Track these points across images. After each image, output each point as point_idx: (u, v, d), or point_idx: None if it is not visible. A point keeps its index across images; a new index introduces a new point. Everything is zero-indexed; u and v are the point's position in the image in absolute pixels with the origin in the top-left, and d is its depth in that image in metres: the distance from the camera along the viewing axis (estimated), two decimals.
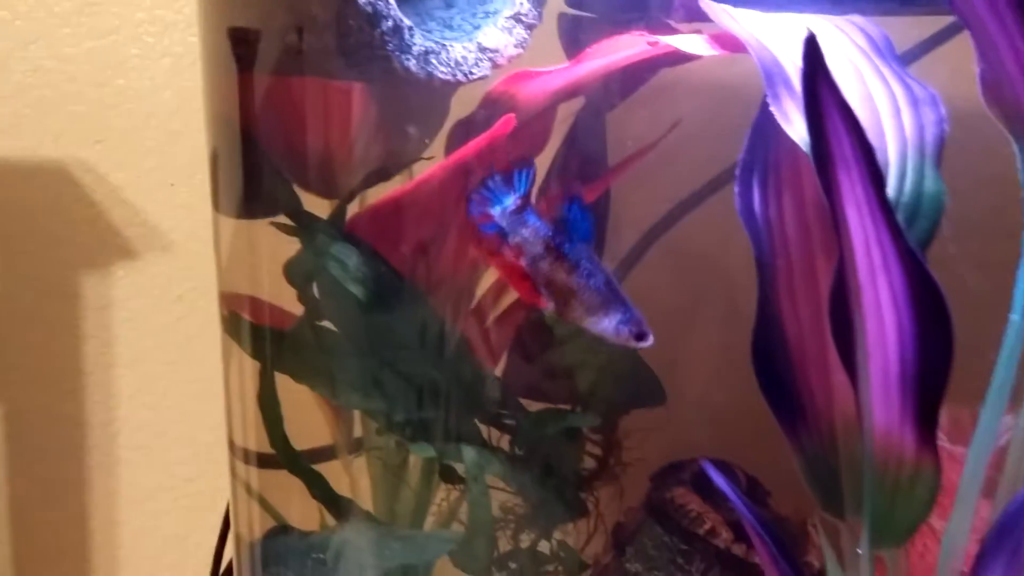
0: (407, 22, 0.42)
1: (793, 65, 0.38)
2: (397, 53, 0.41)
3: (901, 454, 0.33)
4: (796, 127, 0.36)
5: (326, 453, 0.52)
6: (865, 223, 0.31)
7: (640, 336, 0.38)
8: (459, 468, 0.49)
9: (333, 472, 0.51)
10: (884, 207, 0.31)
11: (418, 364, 0.45)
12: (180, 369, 0.83)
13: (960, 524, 0.34)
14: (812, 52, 0.30)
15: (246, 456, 0.49)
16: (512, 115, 0.46)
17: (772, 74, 0.38)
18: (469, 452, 0.45)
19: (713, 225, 0.52)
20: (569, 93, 0.50)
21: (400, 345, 0.45)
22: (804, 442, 0.37)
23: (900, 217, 0.37)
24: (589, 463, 0.57)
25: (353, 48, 0.40)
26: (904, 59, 0.42)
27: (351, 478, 0.52)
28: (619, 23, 0.51)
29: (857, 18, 0.43)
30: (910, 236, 0.36)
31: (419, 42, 0.43)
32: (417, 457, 0.50)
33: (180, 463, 0.85)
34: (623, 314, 0.38)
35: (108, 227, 0.81)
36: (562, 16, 0.54)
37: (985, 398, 0.34)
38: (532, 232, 0.39)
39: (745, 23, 0.42)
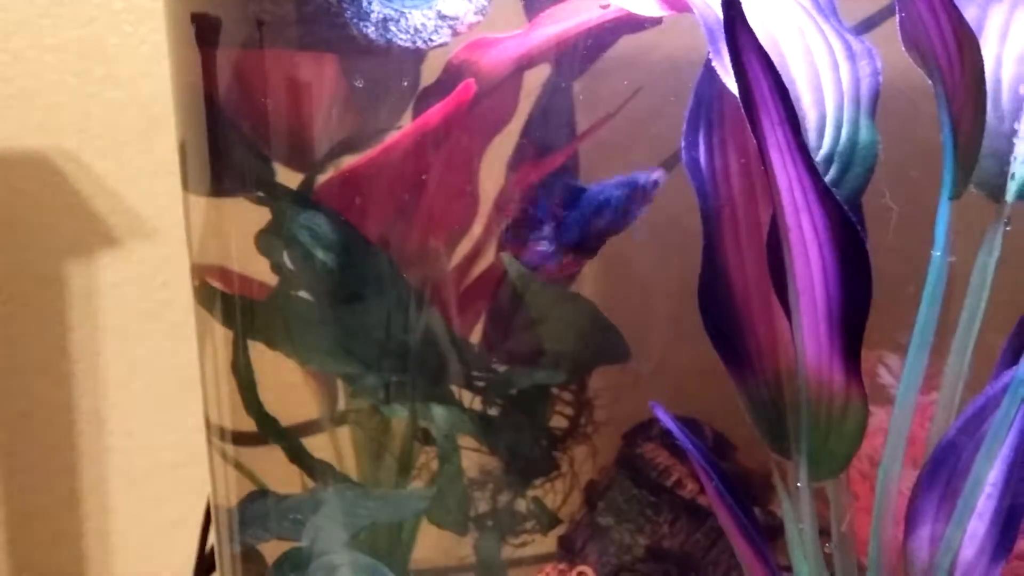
0: None
1: None
2: (355, 20, 0.43)
3: (831, 389, 0.36)
4: (733, 82, 0.38)
5: (312, 427, 0.54)
6: (787, 165, 0.34)
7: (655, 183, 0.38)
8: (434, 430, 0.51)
9: (319, 444, 0.53)
10: (801, 150, 0.33)
11: (388, 328, 0.47)
12: (167, 355, 0.85)
13: (893, 460, 0.37)
14: (730, 4, 0.33)
15: (222, 433, 0.51)
16: (472, 80, 0.48)
17: (714, 32, 0.40)
18: (439, 411, 0.47)
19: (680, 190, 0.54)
20: (529, 60, 0.52)
21: (371, 310, 0.47)
22: (751, 385, 0.39)
23: (836, 165, 0.39)
24: (562, 423, 0.59)
25: (311, 16, 0.42)
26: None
27: (336, 449, 0.54)
28: None
29: None
30: (847, 182, 0.38)
31: (377, 9, 0.45)
32: (399, 421, 0.52)
33: (169, 449, 0.87)
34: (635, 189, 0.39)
35: (92, 215, 0.82)
36: None
37: (911, 336, 0.36)
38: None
39: None
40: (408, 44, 0.47)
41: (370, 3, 0.45)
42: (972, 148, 0.36)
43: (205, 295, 0.51)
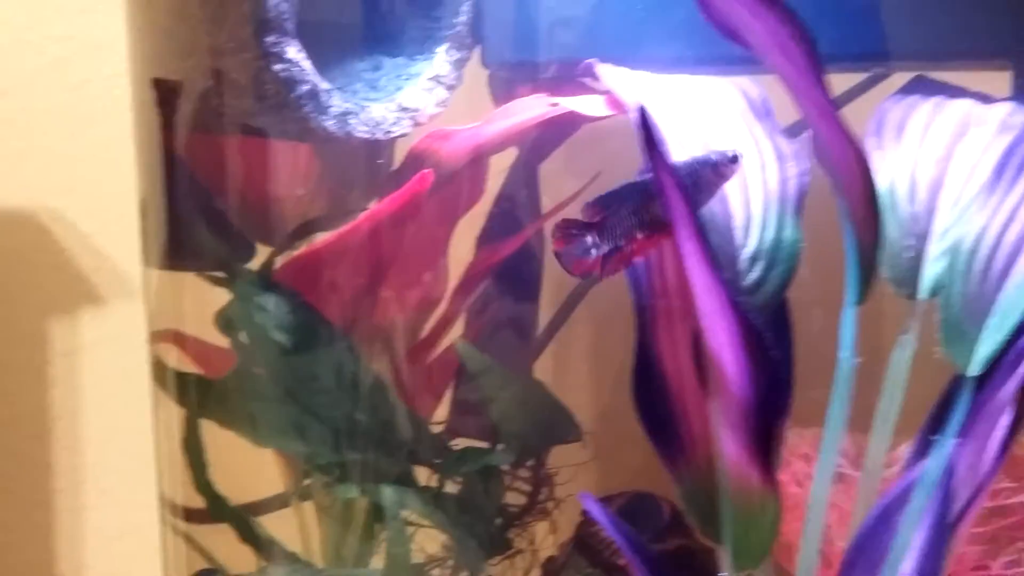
0: (325, 86, 0.47)
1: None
2: (314, 115, 0.46)
3: (749, 484, 0.38)
4: None
5: (275, 503, 0.56)
6: (699, 274, 0.36)
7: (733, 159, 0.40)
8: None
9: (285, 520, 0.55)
10: (710, 261, 0.35)
11: (343, 408, 0.50)
12: (146, 414, 0.87)
13: (810, 546, 0.39)
14: (643, 122, 0.35)
15: (174, 508, 0.53)
16: (430, 171, 0.51)
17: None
18: (387, 491, 0.49)
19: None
20: (488, 149, 0.55)
21: (325, 390, 0.49)
22: (683, 473, 0.42)
23: (762, 263, 0.41)
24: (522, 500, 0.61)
25: (271, 110, 0.45)
26: None
27: (303, 525, 0.56)
28: (541, 83, 0.56)
29: (742, 79, 0.48)
30: (772, 279, 0.40)
31: (337, 104, 0.48)
32: (364, 500, 0.54)
33: (145, 508, 0.88)
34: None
35: (76, 274, 0.84)
36: (492, 77, 0.60)
37: (823, 433, 0.39)
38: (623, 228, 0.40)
39: (636, 85, 0.47)
40: (368, 136, 0.50)
41: (330, 97, 0.48)
42: (871, 258, 0.38)
43: (159, 371, 0.53)
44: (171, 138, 0.50)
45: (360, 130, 0.50)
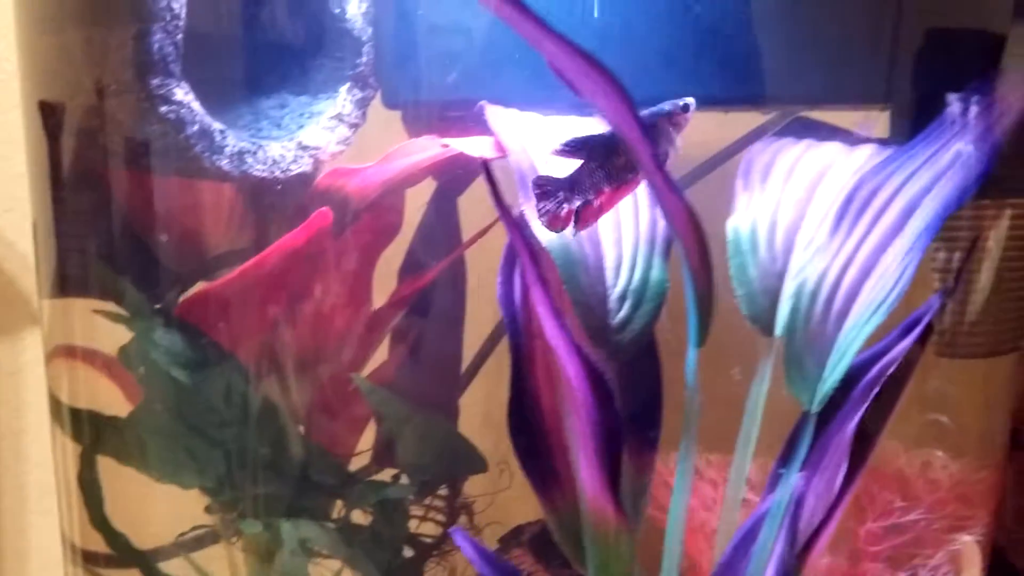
0: (217, 125, 0.49)
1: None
2: (207, 154, 0.48)
3: (604, 516, 0.40)
4: (541, 228, 0.43)
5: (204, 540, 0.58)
6: (548, 319, 0.38)
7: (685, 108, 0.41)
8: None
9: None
10: (553, 311, 0.38)
11: (245, 442, 0.51)
12: None
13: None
14: (488, 176, 0.38)
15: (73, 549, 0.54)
16: (327, 209, 0.53)
17: (525, 178, 0.45)
18: (285, 525, 0.51)
19: None
20: (394, 186, 0.57)
21: (226, 424, 0.51)
22: (556, 505, 0.44)
23: (629, 302, 0.44)
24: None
25: (161, 150, 0.47)
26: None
27: (232, 561, 0.58)
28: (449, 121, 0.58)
29: None
30: (638, 318, 0.43)
31: (232, 143, 0.50)
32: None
33: None
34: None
35: (18, 294, 0.86)
36: (404, 114, 0.61)
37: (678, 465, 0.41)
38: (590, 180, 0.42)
39: (520, 127, 0.49)
40: (266, 175, 0.52)
41: (224, 137, 0.49)
42: (707, 302, 0.41)
43: (54, 406, 0.54)
44: (58, 164, 0.51)
45: (256, 169, 0.52)
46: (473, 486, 0.62)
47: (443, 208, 0.64)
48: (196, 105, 0.47)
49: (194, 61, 0.53)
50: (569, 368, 0.38)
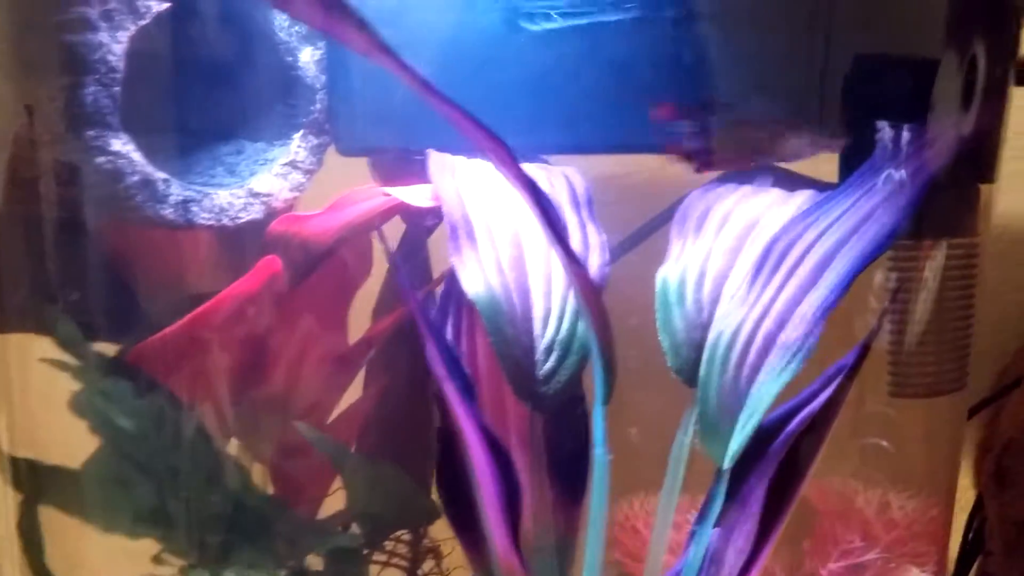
0: (160, 175, 0.50)
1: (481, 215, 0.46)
2: (149, 204, 0.50)
3: (511, 570, 0.40)
4: (467, 279, 0.44)
5: None
6: (445, 383, 0.39)
7: None
8: None
9: None
10: (447, 371, 0.38)
11: (198, 492, 0.52)
12: None
13: None
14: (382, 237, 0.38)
15: None
16: (274, 257, 0.54)
17: (456, 228, 0.46)
18: (228, 574, 0.51)
19: None
20: (350, 232, 0.59)
21: (178, 472, 0.52)
22: (478, 558, 0.44)
23: (556, 354, 0.44)
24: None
25: (102, 200, 0.49)
26: None
27: None
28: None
29: (568, 168, 0.51)
30: (564, 370, 0.43)
31: (176, 192, 0.51)
32: None
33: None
34: None
35: None
36: (371, 161, 0.63)
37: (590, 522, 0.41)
38: None
39: (459, 173, 0.50)
40: (213, 223, 0.54)
41: (167, 186, 0.51)
42: (610, 360, 0.41)
43: None
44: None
45: (203, 217, 0.53)
46: (440, 530, 0.62)
47: (413, 250, 0.65)
48: (136, 155, 0.48)
49: (150, 107, 0.55)
50: (466, 430, 0.39)
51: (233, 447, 0.62)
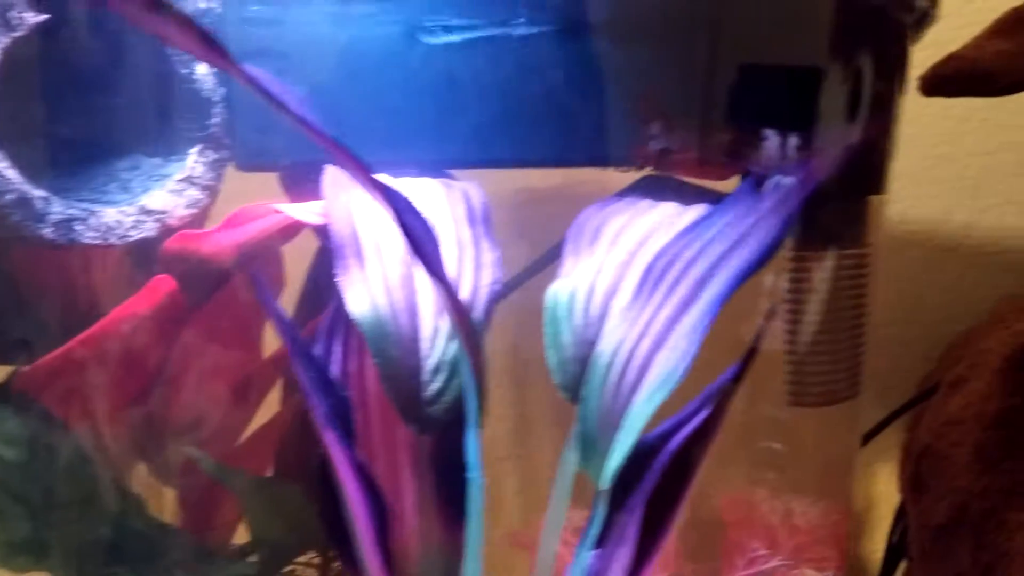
0: (39, 193, 0.49)
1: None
2: (27, 223, 0.48)
3: None
4: (353, 299, 0.43)
5: None
6: (316, 410, 0.39)
7: None
8: None
9: None
10: (320, 398, 0.38)
11: (91, 522, 0.51)
12: None
13: None
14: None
15: None
16: (166, 276, 0.53)
17: (344, 247, 0.45)
18: None
19: None
20: (251, 248, 0.58)
21: (66, 504, 0.51)
22: None
23: (443, 375, 0.44)
24: None
25: None
26: None
27: None
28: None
29: (468, 184, 0.50)
30: (451, 390, 0.43)
31: (58, 210, 0.50)
32: None
33: None
34: None
35: None
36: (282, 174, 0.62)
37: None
38: None
39: (350, 190, 0.49)
40: (100, 241, 0.52)
41: (47, 204, 0.50)
42: (482, 384, 0.41)
43: None
44: None
45: (88, 236, 0.52)
46: None
47: (326, 267, 0.64)
48: (10, 172, 0.47)
49: (36, 123, 0.53)
50: (335, 458, 0.38)
51: (142, 473, 0.60)
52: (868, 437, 0.85)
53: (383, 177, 0.51)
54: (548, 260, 0.51)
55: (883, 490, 0.95)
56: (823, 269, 0.50)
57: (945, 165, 1.04)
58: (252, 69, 0.35)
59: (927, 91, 0.63)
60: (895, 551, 0.83)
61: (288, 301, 0.62)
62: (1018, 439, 0.63)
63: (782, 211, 0.41)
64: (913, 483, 0.72)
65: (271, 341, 0.62)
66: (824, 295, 0.50)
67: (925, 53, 0.64)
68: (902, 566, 0.84)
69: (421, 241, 0.38)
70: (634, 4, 0.44)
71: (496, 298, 0.45)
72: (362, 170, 0.36)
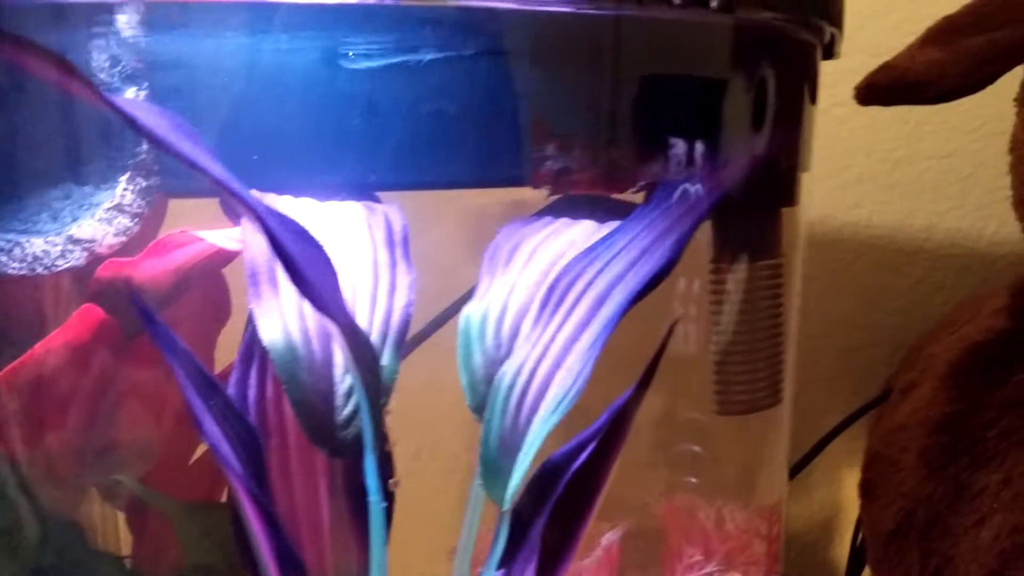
0: None
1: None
2: None
3: None
4: (264, 324, 0.43)
5: None
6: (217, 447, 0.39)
7: None
8: None
9: None
10: (213, 425, 0.38)
11: (12, 553, 0.51)
12: None
13: None
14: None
15: None
16: (92, 305, 0.53)
17: (257, 273, 0.45)
18: None
19: None
20: (185, 275, 0.58)
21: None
22: None
23: (355, 398, 0.44)
24: None
25: None
26: None
27: None
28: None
29: (390, 207, 0.51)
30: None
31: None
32: None
33: None
34: None
35: None
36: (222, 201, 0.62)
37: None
38: None
39: (271, 213, 0.49)
40: (27, 272, 0.53)
41: None
42: (376, 406, 0.41)
43: None
44: None
45: (13, 267, 0.52)
46: None
47: None
48: None
49: None
50: (237, 492, 0.39)
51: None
52: (824, 443, 0.86)
53: (304, 202, 0.51)
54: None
55: (849, 495, 0.96)
56: (738, 280, 0.50)
57: (904, 169, 1.04)
58: (128, 100, 0.35)
59: (862, 100, 0.63)
60: (858, 557, 0.84)
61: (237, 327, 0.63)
62: (961, 445, 0.63)
63: (683, 225, 0.41)
64: (864, 490, 0.72)
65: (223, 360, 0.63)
66: (740, 306, 0.50)
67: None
68: (866, 572, 0.84)
69: (314, 269, 0.38)
70: (536, 27, 0.45)
71: (409, 320, 0.45)
72: (245, 199, 0.36)
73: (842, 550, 0.95)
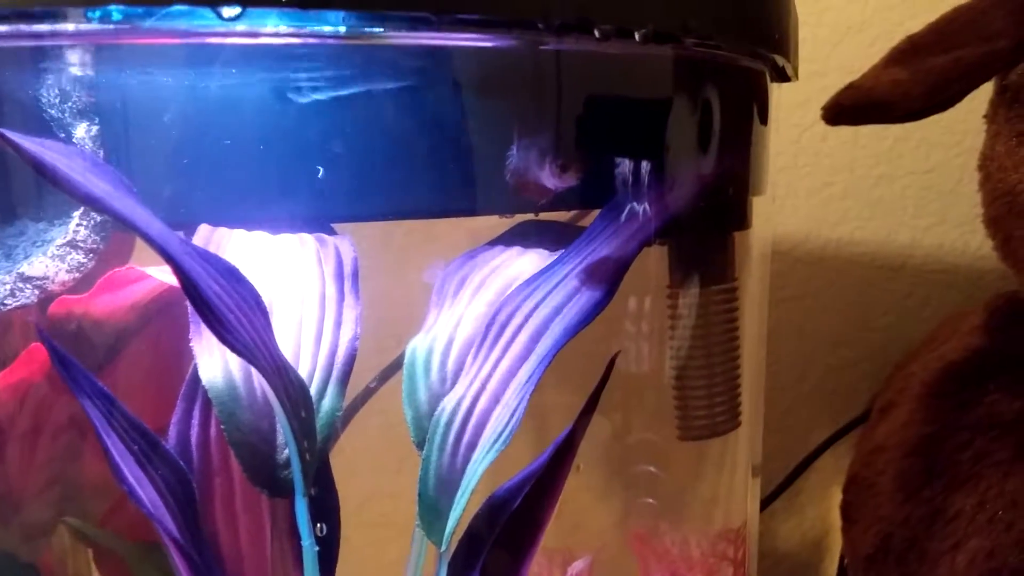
0: None
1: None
2: None
3: None
4: (204, 363, 0.43)
5: None
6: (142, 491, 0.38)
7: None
8: None
9: None
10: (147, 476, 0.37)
11: None
12: None
13: None
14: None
15: None
16: (38, 345, 0.52)
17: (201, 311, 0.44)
18: None
19: None
20: (142, 311, 0.57)
21: None
22: None
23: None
24: None
25: None
26: None
27: None
28: None
29: (341, 239, 0.50)
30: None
31: None
32: None
33: None
34: None
35: None
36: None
37: None
38: None
39: (226, 248, 0.49)
40: None
41: None
42: (311, 449, 0.40)
43: None
44: None
45: None
46: None
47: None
48: None
49: None
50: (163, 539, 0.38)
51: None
52: (808, 461, 0.84)
53: (256, 235, 0.51)
54: None
55: (838, 516, 0.94)
56: (690, 305, 0.50)
57: (885, 185, 1.04)
58: (38, 140, 0.35)
59: (829, 120, 0.62)
60: None
61: None
62: (936, 467, 0.62)
63: (625, 251, 0.40)
64: (844, 512, 0.71)
65: None
66: (694, 331, 0.50)
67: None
68: None
69: (240, 308, 0.37)
70: (480, 58, 0.44)
71: (355, 354, 0.44)
72: (154, 239, 0.35)
73: (833, 569, 0.94)
